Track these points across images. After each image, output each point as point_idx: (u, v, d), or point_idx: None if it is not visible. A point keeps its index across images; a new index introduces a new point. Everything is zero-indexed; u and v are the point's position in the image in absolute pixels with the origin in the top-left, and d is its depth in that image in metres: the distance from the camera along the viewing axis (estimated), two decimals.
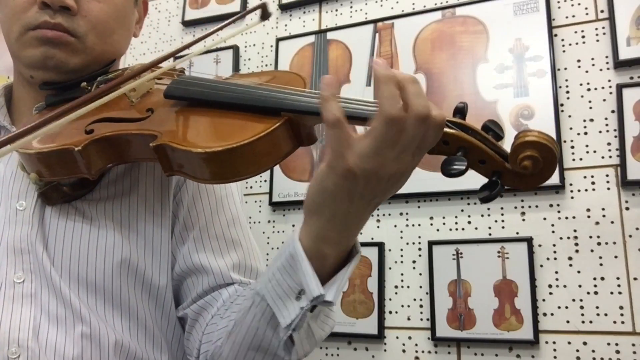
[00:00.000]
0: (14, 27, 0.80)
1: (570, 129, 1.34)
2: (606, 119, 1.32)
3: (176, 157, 0.65)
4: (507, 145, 0.61)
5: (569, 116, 1.35)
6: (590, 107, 1.34)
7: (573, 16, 1.40)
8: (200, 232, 0.84)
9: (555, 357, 1.25)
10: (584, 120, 1.34)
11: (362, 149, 0.56)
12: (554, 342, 1.25)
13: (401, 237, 1.44)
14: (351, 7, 1.67)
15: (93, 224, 0.77)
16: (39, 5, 0.78)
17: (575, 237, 1.29)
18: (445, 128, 0.59)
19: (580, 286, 1.26)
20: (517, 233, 1.33)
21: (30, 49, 0.79)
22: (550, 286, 1.28)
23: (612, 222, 1.26)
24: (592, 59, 1.36)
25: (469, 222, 1.38)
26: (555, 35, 1.41)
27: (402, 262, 1.43)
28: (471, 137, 0.60)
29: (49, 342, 0.71)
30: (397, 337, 1.39)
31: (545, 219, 1.32)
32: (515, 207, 1.35)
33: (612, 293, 1.23)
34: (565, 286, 1.27)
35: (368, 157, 0.56)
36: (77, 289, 0.75)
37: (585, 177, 1.31)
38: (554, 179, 1.28)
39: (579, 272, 1.27)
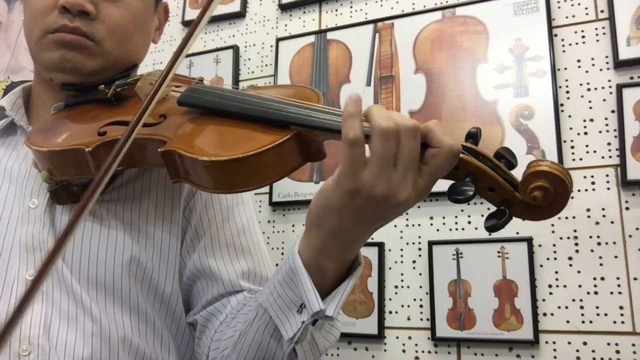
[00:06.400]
0: (35, 31, 0.81)
1: (570, 129, 1.34)
2: (606, 119, 1.32)
3: (183, 164, 0.65)
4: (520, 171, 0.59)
5: (569, 116, 1.35)
6: (590, 107, 1.34)
7: (573, 16, 1.40)
8: (211, 239, 0.84)
9: (555, 357, 1.25)
10: (584, 120, 1.34)
11: (368, 170, 0.56)
12: (554, 342, 1.25)
13: (401, 237, 1.44)
14: (351, 7, 1.67)
15: (103, 224, 0.78)
16: (59, 9, 0.79)
17: (575, 237, 1.29)
18: None
19: (580, 286, 1.26)
20: (517, 233, 1.33)
21: (49, 51, 0.80)
22: (550, 286, 1.28)
23: (612, 222, 1.26)
24: (592, 59, 1.36)
25: (469, 222, 1.38)
26: (555, 35, 1.41)
27: (402, 262, 1.43)
28: (482, 164, 0.58)
29: (60, 339, 0.71)
30: (397, 337, 1.39)
31: None
32: None
33: (612, 293, 1.23)
34: (565, 286, 1.27)
35: (375, 178, 0.56)
36: (87, 287, 0.75)
37: (585, 177, 1.31)
38: None
39: (579, 272, 1.27)
